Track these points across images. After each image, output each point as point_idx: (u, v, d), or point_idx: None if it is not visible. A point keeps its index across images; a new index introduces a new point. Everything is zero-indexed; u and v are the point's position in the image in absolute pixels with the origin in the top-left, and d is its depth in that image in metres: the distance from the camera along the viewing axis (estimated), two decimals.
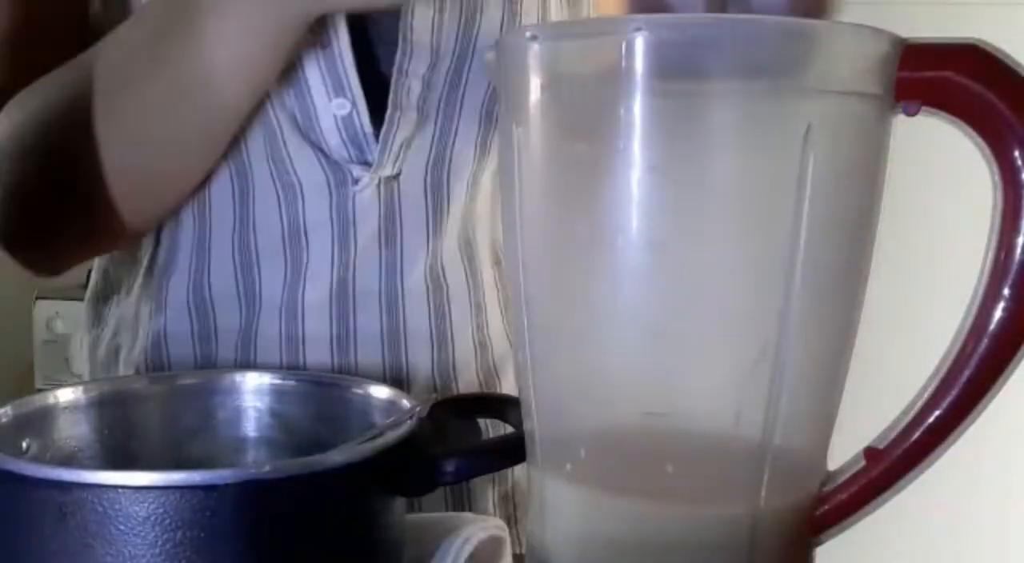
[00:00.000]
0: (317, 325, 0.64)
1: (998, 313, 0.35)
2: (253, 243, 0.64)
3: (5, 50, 0.66)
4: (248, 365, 0.65)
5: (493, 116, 0.66)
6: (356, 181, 0.63)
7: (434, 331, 0.67)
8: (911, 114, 0.35)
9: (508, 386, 0.71)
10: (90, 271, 1.79)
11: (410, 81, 0.62)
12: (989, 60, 0.34)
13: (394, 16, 0.62)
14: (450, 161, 0.66)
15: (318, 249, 0.64)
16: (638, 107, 0.34)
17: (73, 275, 1.91)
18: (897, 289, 1.51)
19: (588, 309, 0.37)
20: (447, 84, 0.64)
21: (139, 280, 0.69)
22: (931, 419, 0.36)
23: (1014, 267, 0.34)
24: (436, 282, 0.67)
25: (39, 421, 0.50)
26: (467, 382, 0.68)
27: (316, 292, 0.64)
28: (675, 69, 0.35)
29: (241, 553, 0.39)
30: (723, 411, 0.36)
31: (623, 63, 0.34)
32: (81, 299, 0.83)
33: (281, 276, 0.64)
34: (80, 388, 0.53)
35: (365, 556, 0.44)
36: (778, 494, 0.36)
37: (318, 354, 0.65)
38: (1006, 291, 0.35)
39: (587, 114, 0.36)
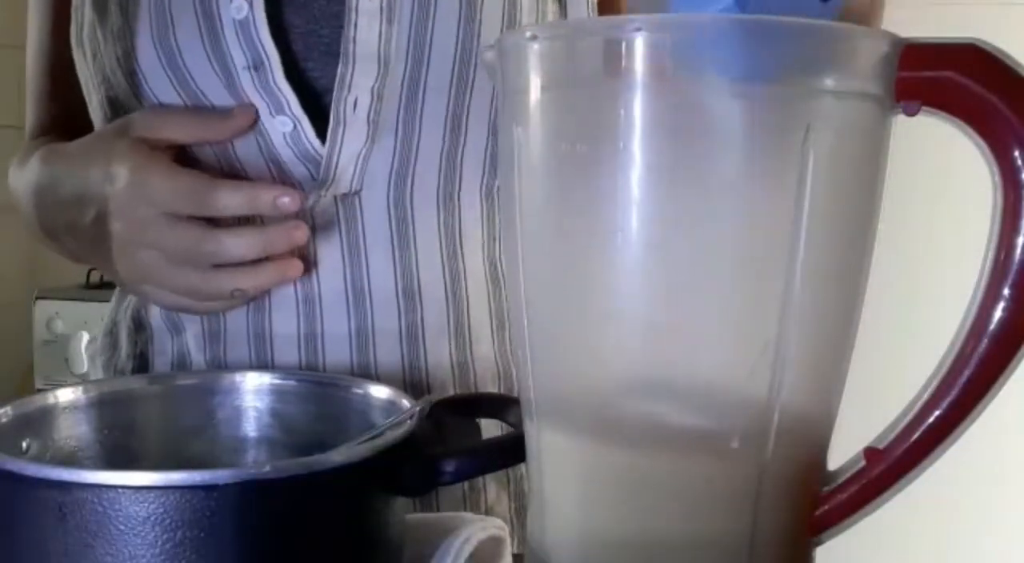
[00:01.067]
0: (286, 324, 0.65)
1: (998, 313, 0.35)
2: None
3: (50, 84, 0.76)
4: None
5: (462, 127, 0.65)
6: (312, 199, 0.63)
7: (405, 347, 0.66)
8: (911, 114, 0.35)
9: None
10: (90, 271, 1.79)
11: (355, 94, 0.61)
12: (989, 60, 0.34)
13: (336, 29, 0.61)
14: (413, 176, 0.64)
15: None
16: (638, 107, 0.34)
17: (73, 275, 1.90)
18: (897, 289, 1.51)
19: (587, 308, 0.37)
20: (403, 95, 0.62)
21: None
22: (931, 419, 0.36)
23: (1014, 267, 0.34)
24: (410, 299, 0.66)
25: (39, 421, 0.50)
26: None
27: (282, 312, 0.65)
28: (675, 69, 0.35)
29: (241, 553, 0.39)
30: (723, 410, 0.36)
31: (623, 63, 0.34)
32: (81, 299, 0.83)
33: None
34: (80, 388, 0.53)
35: (365, 556, 0.44)
36: (778, 499, 0.36)
37: (288, 354, 0.65)
38: (1006, 291, 0.35)
39: (587, 114, 0.36)
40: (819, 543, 0.39)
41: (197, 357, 0.67)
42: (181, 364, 0.68)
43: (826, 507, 0.38)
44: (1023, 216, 0.34)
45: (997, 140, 0.34)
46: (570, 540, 0.39)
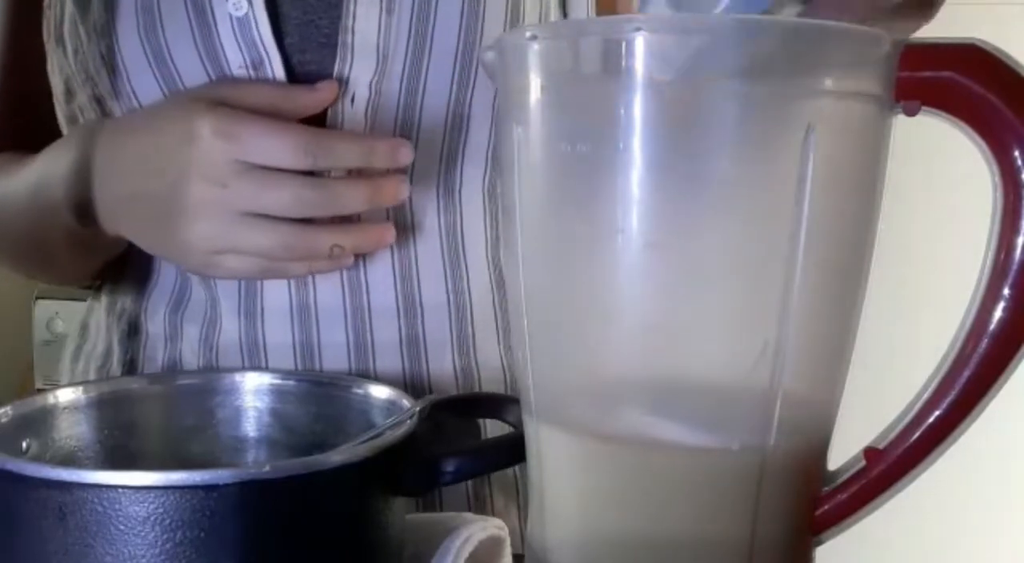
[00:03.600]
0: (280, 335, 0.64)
1: (998, 313, 0.35)
2: None
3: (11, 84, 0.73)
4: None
5: (463, 124, 0.63)
6: None
7: (405, 356, 0.65)
8: (911, 114, 0.35)
9: None
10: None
11: (352, 89, 0.60)
12: (989, 60, 0.34)
13: (335, 20, 0.60)
14: (412, 172, 0.63)
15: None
16: (638, 107, 0.34)
17: None
18: (897, 289, 1.51)
19: (587, 308, 0.37)
20: (403, 90, 0.61)
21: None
22: (931, 419, 0.36)
23: (1014, 267, 0.34)
24: (410, 306, 0.65)
25: (39, 421, 0.50)
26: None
27: (274, 308, 0.63)
28: (675, 69, 0.35)
29: (241, 553, 0.39)
30: (723, 411, 0.36)
31: (623, 63, 0.34)
32: (81, 299, 0.83)
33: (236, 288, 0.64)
34: (80, 388, 0.53)
35: (365, 556, 0.44)
36: (778, 499, 0.36)
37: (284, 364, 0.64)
38: (1006, 291, 0.35)
39: (587, 114, 0.36)
40: (819, 543, 0.39)
41: (190, 364, 0.66)
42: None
43: (826, 507, 0.38)
44: (1023, 216, 0.34)
45: (997, 140, 0.34)
46: (570, 540, 0.39)
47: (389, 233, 0.59)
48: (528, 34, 0.37)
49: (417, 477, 0.46)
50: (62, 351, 0.82)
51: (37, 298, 1.68)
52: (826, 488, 0.38)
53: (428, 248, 0.65)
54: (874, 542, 1.10)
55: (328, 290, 0.63)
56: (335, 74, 0.59)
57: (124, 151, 0.59)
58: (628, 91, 0.34)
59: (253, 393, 0.56)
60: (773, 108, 0.34)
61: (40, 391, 0.52)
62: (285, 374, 0.57)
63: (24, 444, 0.49)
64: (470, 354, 0.67)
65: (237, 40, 0.59)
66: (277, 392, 0.56)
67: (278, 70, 0.59)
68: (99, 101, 0.64)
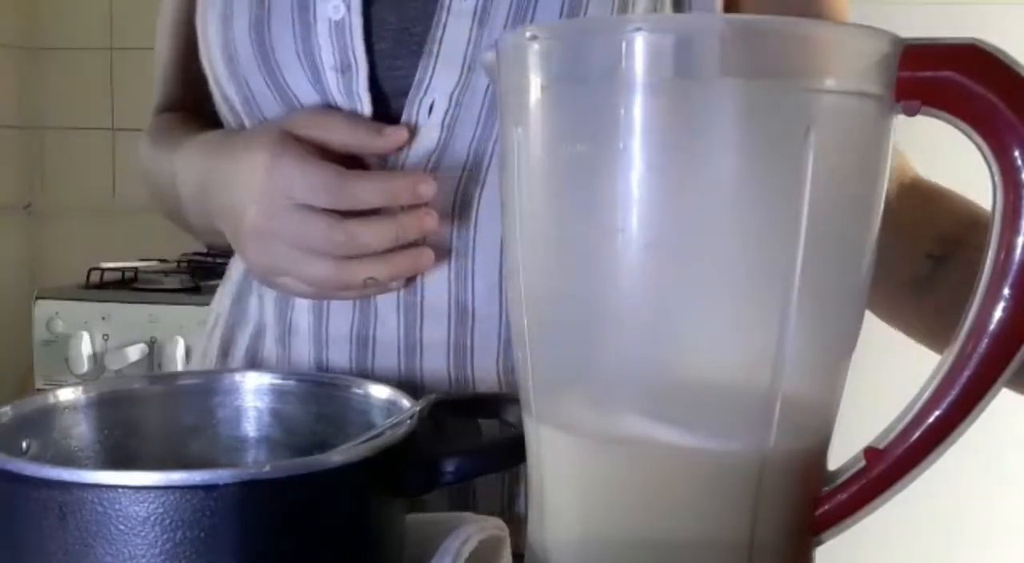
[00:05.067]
0: (341, 324, 0.65)
1: (998, 313, 0.35)
2: None
3: (178, 69, 0.78)
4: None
5: None
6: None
7: (452, 349, 0.65)
8: (911, 114, 0.35)
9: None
10: (90, 270, 1.79)
11: (432, 97, 0.60)
12: (989, 60, 0.34)
13: (428, 29, 0.60)
14: (483, 184, 0.62)
15: None
16: (638, 107, 0.34)
17: (73, 275, 1.90)
18: None
19: (587, 308, 0.37)
20: (485, 103, 0.60)
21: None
22: (931, 419, 0.36)
23: (1014, 267, 0.34)
24: (462, 311, 0.64)
25: (39, 421, 0.50)
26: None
27: (340, 314, 0.65)
28: (675, 69, 0.35)
29: (241, 553, 0.39)
30: (723, 410, 0.36)
31: (623, 63, 0.34)
32: (81, 299, 0.84)
33: None
34: (80, 388, 0.53)
35: (365, 556, 0.44)
36: (778, 499, 0.36)
37: (341, 354, 0.65)
38: (1006, 291, 0.35)
39: (587, 114, 0.36)
40: (819, 543, 0.39)
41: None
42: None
43: (826, 507, 0.38)
44: (1023, 216, 0.34)
45: (997, 140, 0.34)
46: (570, 540, 0.39)
47: (425, 258, 0.60)
48: (528, 34, 0.37)
49: (417, 477, 0.46)
50: (62, 351, 0.82)
51: (37, 298, 1.68)
52: (826, 488, 0.38)
53: (485, 258, 0.64)
54: (874, 542, 1.10)
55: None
56: (416, 81, 0.60)
57: (209, 169, 0.64)
58: (628, 91, 0.34)
59: (253, 393, 0.56)
60: (773, 108, 0.34)
61: (40, 391, 0.52)
62: (285, 374, 0.57)
63: (24, 444, 0.49)
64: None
65: (332, 42, 0.60)
66: (277, 392, 0.56)
67: (362, 78, 0.60)
68: (221, 90, 0.66)
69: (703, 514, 0.36)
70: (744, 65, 0.34)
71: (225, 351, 0.71)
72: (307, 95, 0.61)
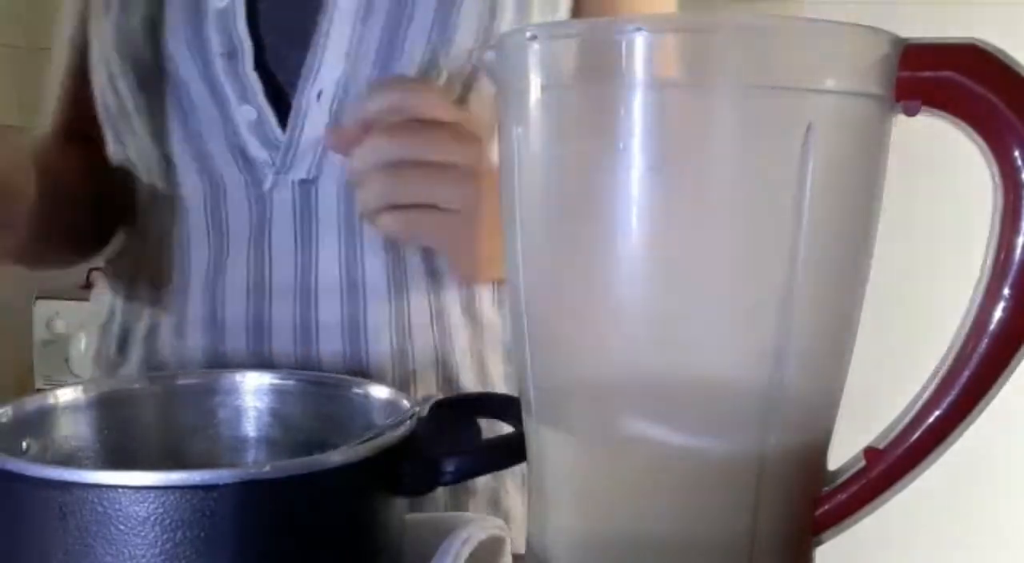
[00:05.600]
0: (237, 311, 0.67)
1: (998, 313, 0.35)
2: (183, 233, 0.69)
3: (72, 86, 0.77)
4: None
5: None
6: (270, 183, 0.66)
7: (347, 330, 0.67)
8: (911, 114, 0.35)
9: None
10: (90, 271, 1.79)
11: (319, 86, 0.64)
12: (989, 60, 0.34)
13: (314, 22, 0.63)
14: None
15: (237, 246, 0.67)
16: (638, 107, 0.34)
17: (73, 275, 1.90)
18: (897, 289, 1.51)
19: (586, 308, 0.37)
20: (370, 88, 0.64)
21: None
22: (931, 419, 0.36)
23: (1014, 267, 0.34)
24: (353, 290, 0.67)
25: (39, 421, 0.50)
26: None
27: (234, 285, 0.67)
28: (675, 69, 0.35)
29: (241, 553, 0.39)
30: (723, 410, 0.36)
31: (623, 63, 0.34)
32: (81, 299, 0.85)
33: (204, 267, 0.68)
34: (80, 388, 0.53)
35: (365, 556, 0.44)
36: (778, 499, 0.36)
37: (237, 341, 0.67)
38: (1006, 291, 0.35)
39: (587, 114, 0.36)
40: (819, 543, 0.39)
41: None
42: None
43: (826, 507, 0.38)
44: (1023, 216, 0.34)
45: (997, 140, 0.34)
46: (570, 540, 0.39)
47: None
48: (528, 34, 0.37)
49: (417, 477, 0.46)
50: (62, 351, 0.84)
51: (37, 298, 1.68)
52: (826, 488, 0.38)
53: (373, 239, 0.67)
54: (874, 542, 1.10)
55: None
56: (304, 70, 0.64)
57: None
58: (628, 91, 0.34)
59: (253, 393, 0.56)
60: (773, 108, 0.34)
61: (40, 391, 0.52)
62: (285, 374, 0.57)
63: (24, 444, 0.49)
64: (406, 340, 0.69)
65: (218, 29, 0.64)
66: (277, 392, 0.56)
67: (248, 61, 0.64)
68: (113, 86, 0.69)
69: (703, 514, 0.36)
70: (744, 65, 0.34)
71: (121, 347, 0.73)
72: (196, 84, 0.65)
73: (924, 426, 0.36)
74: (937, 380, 0.36)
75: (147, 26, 0.65)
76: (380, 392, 0.54)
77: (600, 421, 0.38)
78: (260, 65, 0.64)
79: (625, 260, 0.35)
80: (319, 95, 0.64)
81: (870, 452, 0.38)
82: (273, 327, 0.66)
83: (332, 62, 0.63)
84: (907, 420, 0.37)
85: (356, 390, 0.55)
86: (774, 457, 0.36)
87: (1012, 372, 0.35)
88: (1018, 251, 0.34)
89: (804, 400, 0.37)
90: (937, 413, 0.36)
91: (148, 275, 0.71)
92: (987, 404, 0.36)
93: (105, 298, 0.76)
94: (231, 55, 0.64)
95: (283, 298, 0.66)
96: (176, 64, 0.65)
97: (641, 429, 0.37)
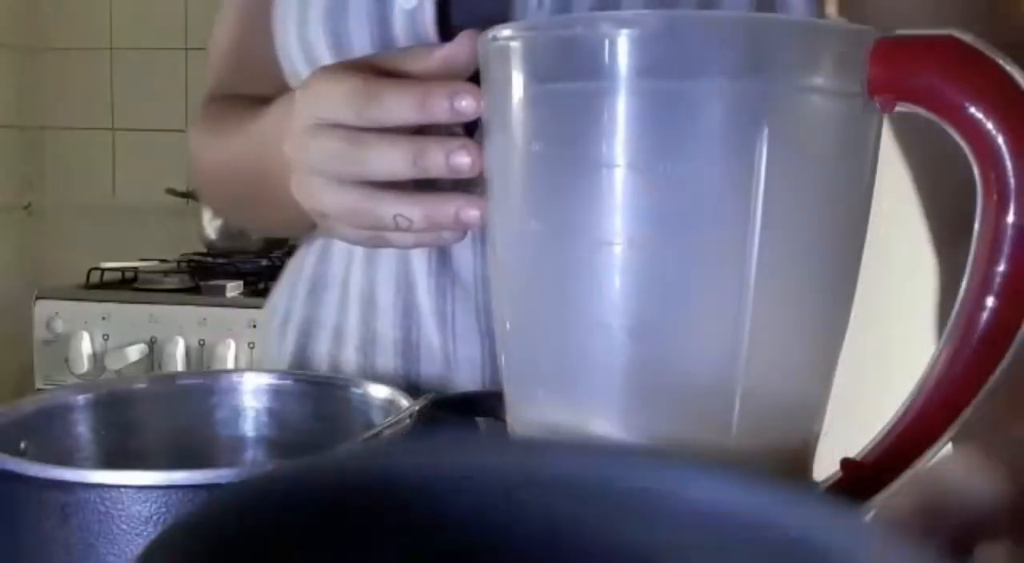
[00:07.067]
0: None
1: (981, 323, 0.34)
2: None
3: (238, 54, 0.77)
4: None
5: None
6: None
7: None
8: (888, 111, 0.35)
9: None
10: (90, 271, 1.79)
11: None
12: (966, 51, 0.33)
13: (504, 7, 0.59)
14: None
15: None
16: (621, 106, 0.34)
17: (73, 275, 1.90)
18: (888, 292, 1.51)
19: (568, 308, 0.38)
20: None
21: None
22: (909, 432, 0.36)
23: (997, 274, 0.34)
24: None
25: (39, 421, 0.51)
26: None
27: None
28: (658, 67, 0.34)
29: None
30: (705, 413, 0.36)
31: (605, 62, 0.34)
32: (81, 299, 0.84)
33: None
34: (80, 388, 0.53)
35: None
36: None
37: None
38: (990, 301, 0.34)
39: (570, 114, 0.36)
40: None
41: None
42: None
43: None
44: (1006, 215, 0.33)
45: (977, 135, 0.33)
46: None
47: (469, 209, 0.46)
48: (509, 32, 0.37)
49: None
50: (62, 351, 0.82)
51: (37, 298, 1.68)
52: None
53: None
54: None
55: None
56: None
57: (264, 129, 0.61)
58: (611, 90, 0.34)
59: (252, 393, 0.57)
60: (751, 105, 0.34)
61: (40, 391, 0.52)
62: (284, 374, 0.58)
63: (24, 444, 0.49)
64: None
65: (408, 31, 0.60)
66: (276, 392, 0.57)
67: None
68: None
69: None
70: (722, 62, 0.34)
71: (300, 359, 0.70)
72: None
73: (902, 439, 0.36)
74: (916, 394, 0.36)
75: (326, 22, 0.62)
76: (379, 391, 0.54)
77: (573, 421, 0.38)
78: None
79: (607, 260, 0.35)
80: None
81: (847, 463, 0.37)
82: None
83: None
84: (885, 432, 0.36)
85: (355, 390, 0.55)
86: (746, 460, 0.35)
87: (991, 390, 0.35)
88: (1001, 259, 0.34)
89: (775, 404, 0.36)
90: (914, 428, 0.35)
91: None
92: (961, 422, 0.35)
93: (280, 299, 0.74)
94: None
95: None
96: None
97: (611, 429, 0.37)
